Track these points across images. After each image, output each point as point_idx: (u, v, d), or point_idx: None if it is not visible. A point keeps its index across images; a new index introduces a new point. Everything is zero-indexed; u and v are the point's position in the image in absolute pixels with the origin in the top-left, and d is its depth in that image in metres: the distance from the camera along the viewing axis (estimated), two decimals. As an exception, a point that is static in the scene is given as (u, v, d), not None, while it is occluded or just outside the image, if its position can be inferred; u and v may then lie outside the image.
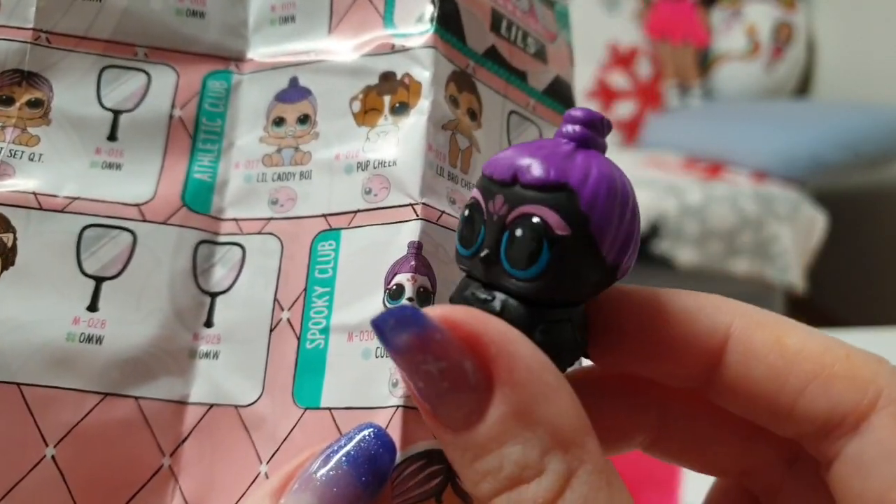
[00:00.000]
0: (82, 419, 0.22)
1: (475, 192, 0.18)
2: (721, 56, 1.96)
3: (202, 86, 0.26)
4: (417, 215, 0.22)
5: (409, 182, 0.22)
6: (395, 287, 0.21)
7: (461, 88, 0.25)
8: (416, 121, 0.23)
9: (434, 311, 0.15)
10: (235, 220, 0.25)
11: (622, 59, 1.91)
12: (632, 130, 1.86)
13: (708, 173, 1.46)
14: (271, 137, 0.25)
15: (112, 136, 0.25)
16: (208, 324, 0.24)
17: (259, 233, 0.24)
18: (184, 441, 0.23)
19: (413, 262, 0.21)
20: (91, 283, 0.23)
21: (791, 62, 1.91)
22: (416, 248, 0.22)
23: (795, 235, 1.30)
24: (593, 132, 0.17)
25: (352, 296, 0.22)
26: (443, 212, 0.22)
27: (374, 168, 0.23)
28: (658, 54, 1.94)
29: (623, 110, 1.87)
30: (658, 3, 1.99)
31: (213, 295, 0.24)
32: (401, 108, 0.24)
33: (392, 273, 0.22)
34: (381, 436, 0.19)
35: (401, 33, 0.25)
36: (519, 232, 0.16)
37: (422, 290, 0.21)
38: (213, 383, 0.23)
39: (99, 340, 0.22)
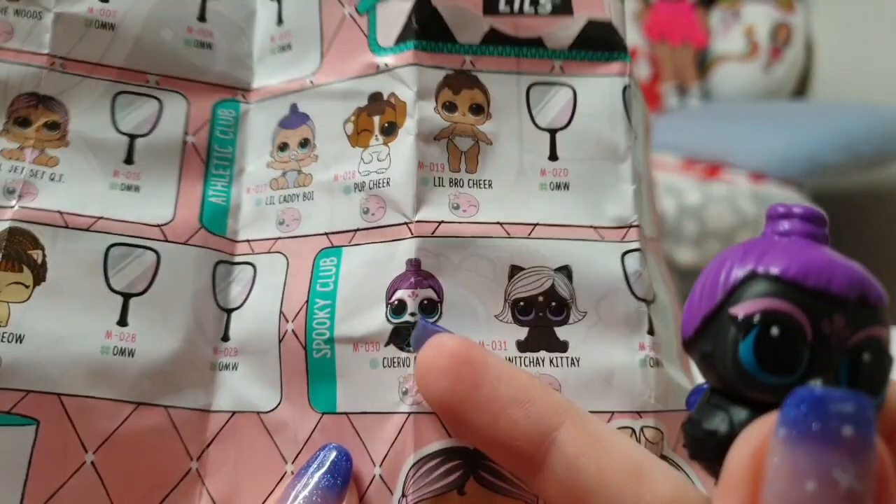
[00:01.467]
0: (119, 427, 0.23)
1: (784, 306, 0.15)
2: (719, 57, 1.96)
3: (212, 114, 0.27)
4: (412, 234, 0.23)
5: (403, 201, 0.24)
6: (396, 302, 0.23)
7: (458, 88, 0.25)
8: (405, 140, 0.24)
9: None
10: (248, 241, 0.26)
11: (621, 61, 1.91)
12: (631, 131, 1.86)
13: (706, 174, 1.47)
14: (277, 162, 0.27)
15: (129, 160, 0.26)
16: (225, 338, 0.25)
17: (268, 252, 0.26)
18: (209, 445, 0.24)
19: (412, 279, 0.23)
20: (119, 299, 0.24)
21: (789, 63, 1.91)
22: (415, 265, 0.23)
23: (794, 236, 1.31)
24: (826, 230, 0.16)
25: (354, 308, 0.23)
26: (440, 222, 0.23)
27: (370, 189, 0.24)
28: (656, 55, 1.95)
29: (622, 111, 1.87)
30: (656, 4, 1.99)
31: (229, 311, 0.25)
32: (390, 128, 0.25)
33: (393, 289, 0.23)
34: (337, 447, 0.22)
35: (384, 53, 0.25)
36: (868, 357, 0.15)
37: (426, 302, 0.22)
38: (234, 393, 0.25)
39: (131, 353, 0.24)
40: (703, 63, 1.98)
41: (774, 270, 0.15)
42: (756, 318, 0.15)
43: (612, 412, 0.22)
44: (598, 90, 0.25)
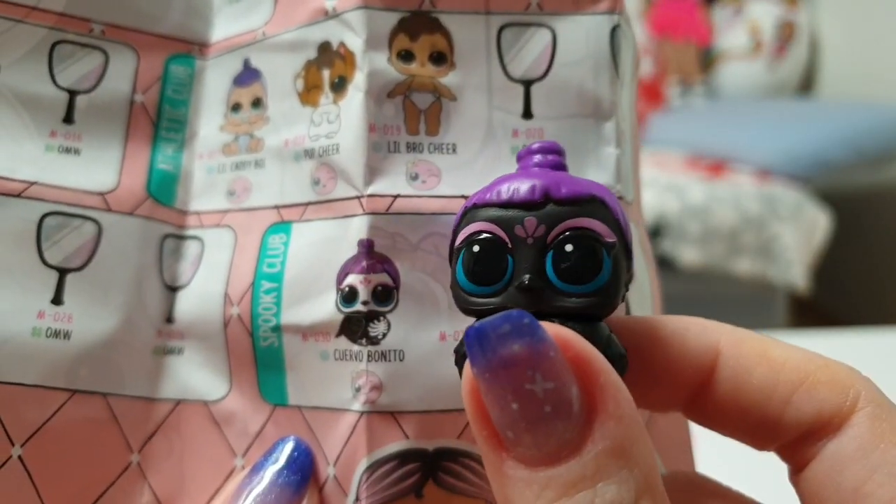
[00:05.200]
0: (50, 418, 0.21)
1: (479, 226, 0.17)
2: (723, 54, 1.95)
3: (164, 70, 0.24)
4: (364, 210, 0.20)
5: (353, 171, 0.21)
6: (347, 289, 0.20)
7: (416, 34, 0.21)
8: (354, 98, 0.21)
9: (547, 327, 0.14)
10: (198, 213, 0.24)
11: (624, 58, 1.90)
12: (633, 129, 1.85)
13: (711, 171, 1.45)
14: (230, 125, 0.24)
15: (68, 119, 0.23)
16: (170, 319, 0.23)
17: (217, 226, 0.23)
18: (151, 437, 0.22)
19: (364, 263, 0.20)
20: (54, 275, 0.22)
21: (794, 60, 1.90)
22: (367, 247, 0.20)
23: (798, 235, 1.29)
24: (562, 158, 0.18)
25: (302, 294, 0.21)
26: (396, 196, 0.20)
27: (320, 156, 0.21)
28: (660, 52, 1.93)
29: (625, 109, 1.86)
30: (660, 1, 1.98)
31: (175, 290, 0.23)
32: (339, 84, 0.21)
33: (344, 273, 0.20)
34: (295, 440, 0.21)
35: None
36: (570, 247, 0.16)
37: (379, 288, 0.20)
38: (179, 380, 0.23)
39: (67, 336, 0.21)
40: (707, 60, 1.96)
41: (472, 201, 0.17)
42: (460, 243, 0.17)
43: None
44: (582, 32, 0.21)
